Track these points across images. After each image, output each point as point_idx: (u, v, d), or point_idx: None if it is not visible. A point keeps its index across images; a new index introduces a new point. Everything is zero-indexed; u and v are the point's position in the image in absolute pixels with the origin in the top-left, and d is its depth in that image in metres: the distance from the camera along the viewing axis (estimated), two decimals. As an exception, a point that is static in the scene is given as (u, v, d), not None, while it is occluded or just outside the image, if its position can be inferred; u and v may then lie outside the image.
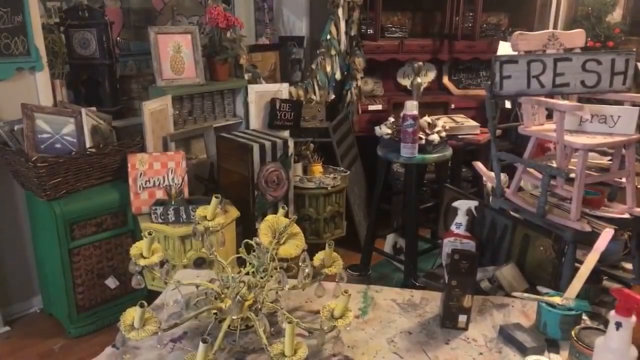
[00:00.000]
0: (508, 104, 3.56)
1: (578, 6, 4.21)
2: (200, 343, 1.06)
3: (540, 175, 1.93)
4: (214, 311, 1.29)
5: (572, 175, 1.77)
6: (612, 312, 1.04)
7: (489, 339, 1.33)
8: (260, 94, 3.31)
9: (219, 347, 1.19)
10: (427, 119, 2.70)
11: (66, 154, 2.52)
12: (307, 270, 1.31)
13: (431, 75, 4.09)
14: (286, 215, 1.36)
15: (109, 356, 1.25)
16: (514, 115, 3.41)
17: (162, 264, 1.28)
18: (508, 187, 2.08)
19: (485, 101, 1.99)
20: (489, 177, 2.19)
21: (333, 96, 3.63)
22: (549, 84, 1.83)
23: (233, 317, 1.25)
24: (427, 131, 2.61)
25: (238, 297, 1.25)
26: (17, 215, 2.75)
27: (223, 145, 2.98)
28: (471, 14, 3.87)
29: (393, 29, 3.87)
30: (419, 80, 3.05)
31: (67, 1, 2.97)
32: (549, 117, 2.01)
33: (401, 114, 2.49)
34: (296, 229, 1.33)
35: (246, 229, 2.82)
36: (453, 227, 1.88)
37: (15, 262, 2.78)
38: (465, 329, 1.36)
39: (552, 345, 1.28)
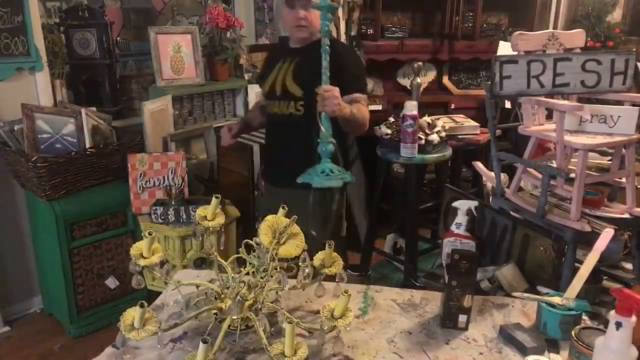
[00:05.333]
0: (508, 104, 3.56)
1: (578, 6, 4.21)
2: (200, 343, 1.06)
3: (540, 175, 1.93)
4: (214, 311, 1.29)
5: (572, 175, 1.77)
6: (612, 312, 1.03)
7: (489, 339, 1.33)
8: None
9: (219, 347, 1.19)
10: (426, 119, 2.70)
11: (66, 154, 2.52)
12: (307, 270, 1.31)
13: (431, 75, 4.08)
14: (286, 215, 1.36)
15: (109, 356, 1.25)
16: (514, 115, 3.41)
17: (162, 264, 1.28)
18: (508, 187, 2.07)
19: (485, 101, 1.99)
20: (489, 177, 2.19)
21: (333, 96, 3.62)
22: (549, 84, 1.83)
23: (233, 317, 1.25)
24: (427, 131, 2.61)
25: (238, 297, 1.25)
26: (17, 215, 2.75)
27: (223, 145, 2.97)
28: (471, 14, 3.86)
29: (393, 29, 3.86)
30: (418, 80, 3.05)
31: (67, 1, 2.97)
32: (549, 117, 2.01)
33: (401, 114, 2.49)
34: (296, 229, 1.33)
35: (246, 229, 2.82)
36: (453, 227, 1.87)
37: (15, 262, 2.78)
38: (465, 329, 1.36)
39: (552, 345, 1.28)
